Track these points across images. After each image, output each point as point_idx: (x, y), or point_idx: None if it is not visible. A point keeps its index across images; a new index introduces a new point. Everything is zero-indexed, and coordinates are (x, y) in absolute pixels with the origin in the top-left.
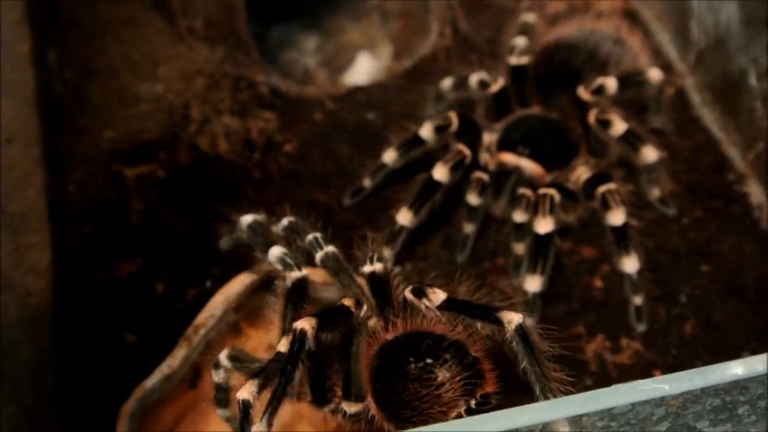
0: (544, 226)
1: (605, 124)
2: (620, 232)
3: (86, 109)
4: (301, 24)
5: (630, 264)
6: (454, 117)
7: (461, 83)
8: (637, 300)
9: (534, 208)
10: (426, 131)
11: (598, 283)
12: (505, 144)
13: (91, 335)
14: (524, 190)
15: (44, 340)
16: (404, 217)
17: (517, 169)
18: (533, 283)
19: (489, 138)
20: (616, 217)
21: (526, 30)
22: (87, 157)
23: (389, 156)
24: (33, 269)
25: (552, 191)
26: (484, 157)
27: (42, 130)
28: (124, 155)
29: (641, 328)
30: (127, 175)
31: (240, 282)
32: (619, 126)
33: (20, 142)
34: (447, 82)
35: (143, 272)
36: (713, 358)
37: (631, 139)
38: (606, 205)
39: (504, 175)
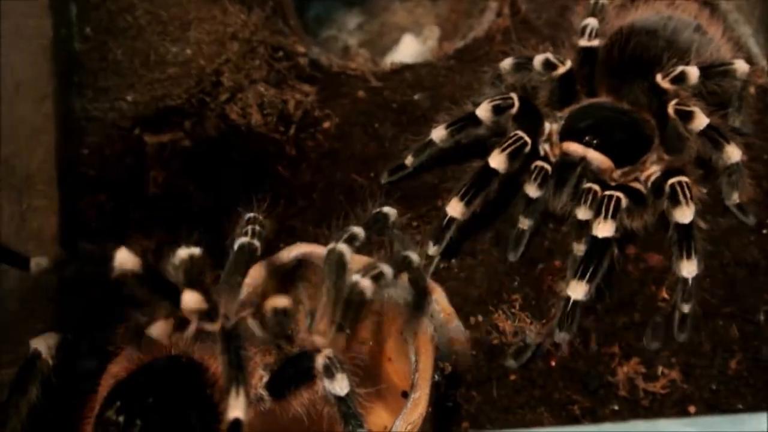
0: (603, 229)
1: (686, 116)
2: (685, 231)
3: (108, 69)
4: (342, 1)
5: (688, 269)
6: (515, 98)
7: (524, 64)
8: (686, 308)
9: (597, 208)
10: (483, 111)
11: (664, 294)
12: (571, 133)
13: (96, 315)
14: (591, 185)
15: (46, 315)
16: (455, 208)
17: (583, 161)
18: (577, 290)
19: (549, 127)
20: (684, 214)
21: (597, 11)
22: (105, 120)
23: (438, 133)
24: (36, 236)
25: (619, 194)
26: (544, 148)
27: (57, 85)
28: (147, 121)
29: (682, 338)
30: (148, 142)
31: (268, 266)
32: (701, 119)
33: (30, 95)
34: (508, 62)
35: (159, 249)
36: None
37: (714, 136)
38: (674, 200)
39: (568, 167)
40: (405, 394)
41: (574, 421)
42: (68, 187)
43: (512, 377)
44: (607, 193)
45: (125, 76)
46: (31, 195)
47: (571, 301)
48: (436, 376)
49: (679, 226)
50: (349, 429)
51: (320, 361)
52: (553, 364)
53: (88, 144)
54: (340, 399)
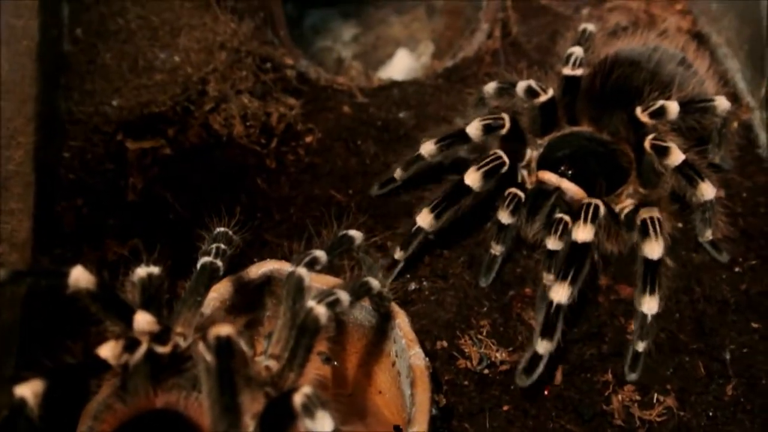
0: (583, 234)
1: (662, 151)
2: (652, 267)
3: (95, 72)
4: (339, 12)
5: (649, 305)
6: (507, 118)
7: (506, 89)
8: (641, 346)
9: (575, 216)
10: (473, 129)
11: (633, 327)
12: (548, 162)
13: (63, 321)
14: (562, 215)
15: (11, 317)
16: (424, 219)
17: (557, 191)
18: (560, 293)
19: (530, 154)
20: (653, 249)
21: (584, 39)
22: (89, 124)
23: (427, 148)
24: (9, 239)
25: (599, 201)
26: (522, 174)
27: (41, 86)
28: (130, 127)
29: (633, 377)
30: (130, 148)
31: (237, 281)
32: (676, 156)
33: (13, 96)
34: (491, 87)
35: (133, 257)
36: (755, 427)
37: (689, 172)
38: (645, 234)
39: (542, 196)
40: (398, 429)
41: None
42: (45, 190)
43: (505, 408)
44: (587, 200)
45: (112, 81)
46: (6, 198)
47: (554, 304)
48: (433, 410)
49: (647, 261)
50: None
51: (298, 399)
52: (546, 393)
53: (69, 147)
54: None
